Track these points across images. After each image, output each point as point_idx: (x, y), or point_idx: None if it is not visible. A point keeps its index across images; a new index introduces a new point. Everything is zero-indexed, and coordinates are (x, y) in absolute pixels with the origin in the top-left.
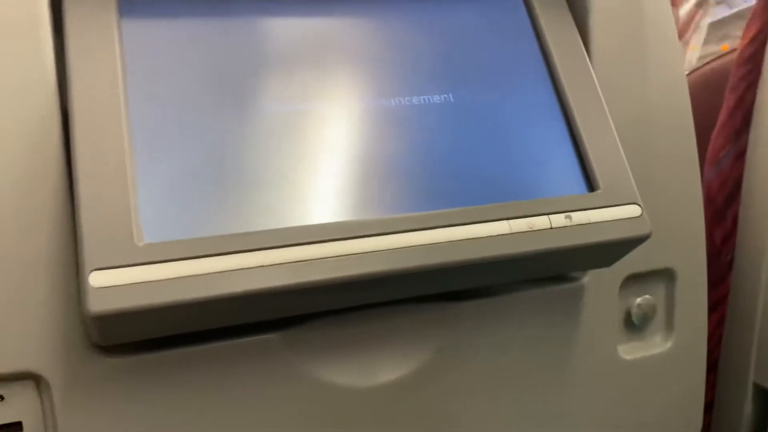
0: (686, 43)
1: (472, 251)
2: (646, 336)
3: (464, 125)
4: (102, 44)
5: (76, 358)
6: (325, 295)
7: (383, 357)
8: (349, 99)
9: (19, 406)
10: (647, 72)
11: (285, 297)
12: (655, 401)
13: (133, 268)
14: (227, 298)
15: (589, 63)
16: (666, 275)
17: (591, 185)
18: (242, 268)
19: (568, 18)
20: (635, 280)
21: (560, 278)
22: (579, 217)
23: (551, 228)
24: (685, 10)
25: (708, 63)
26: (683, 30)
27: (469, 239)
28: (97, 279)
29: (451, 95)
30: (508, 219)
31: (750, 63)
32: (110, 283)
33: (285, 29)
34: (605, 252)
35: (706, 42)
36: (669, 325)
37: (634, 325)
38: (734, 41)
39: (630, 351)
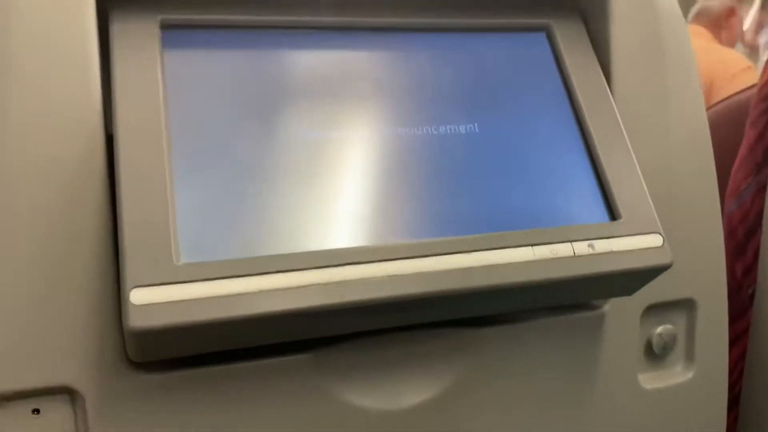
0: (756, 46)
1: (496, 276)
2: (667, 365)
3: (489, 154)
4: (145, 73)
5: (110, 374)
6: (355, 317)
7: (407, 380)
8: (378, 127)
9: (54, 419)
10: (668, 107)
11: (316, 317)
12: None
13: (172, 286)
14: (261, 318)
15: (611, 97)
16: (687, 305)
17: (613, 214)
18: (276, 289)
19: (591, 54)
20: (656, 309)
21: (581, 306)
22: (601, 245)
23: (574, 255)
24: (751, 15)
25: (728, 98)
26: (753, 34)
27: (493, 265)
28: (137, 296)
29: (476, 125)
30: (532, 245)
31: None
32: (150, 301)
33: (317, 60)
34: (627, 280)
35: None
36: (690, 355)
37: (654, 354)
38: None
39: (650, 380)
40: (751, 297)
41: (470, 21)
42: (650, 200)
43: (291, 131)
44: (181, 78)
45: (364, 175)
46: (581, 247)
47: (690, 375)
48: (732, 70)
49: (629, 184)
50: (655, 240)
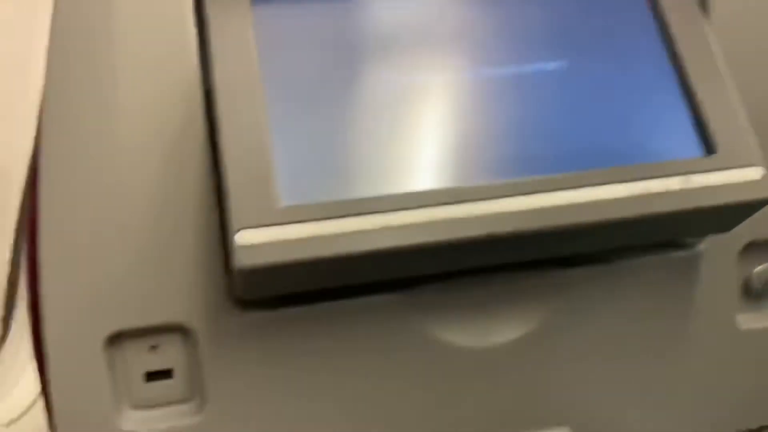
0: None
1: (589, 213)
2: (766, 306)
3: (578, 91)
4: (238, 27)
5: (218, 312)
6: (450, 255)
7: (496, 319)
8: (464, 68)
9: (170, 354)
10: None
11: (413, 255)
12: None
13: (275, 228)
14: (360, 255)
15: (705, 24)
16: None
17: (709, 148)
18: (373, 228)
19: None
20: (756, 247)
21: (675, 245)
22: (697, 179)
23: (669, 191)
24: None
25: None
26: None
27: (585, 202)
28: (243, 238)
29: (564, 62)
30: (624, 182)
31: None
32: (254, 242)
33: (402, 5)
34: (724, 216)
35: None
36: None
37: (753, 293)
38: None
39: (748, 321)
40: None
41: None
42: (751, 131)
43: (379, 76)
44: (271, 30)
45: (453, 116)
46: (676, 182)
47: None
48: None
49: (726, 115)
50: (755, 173)
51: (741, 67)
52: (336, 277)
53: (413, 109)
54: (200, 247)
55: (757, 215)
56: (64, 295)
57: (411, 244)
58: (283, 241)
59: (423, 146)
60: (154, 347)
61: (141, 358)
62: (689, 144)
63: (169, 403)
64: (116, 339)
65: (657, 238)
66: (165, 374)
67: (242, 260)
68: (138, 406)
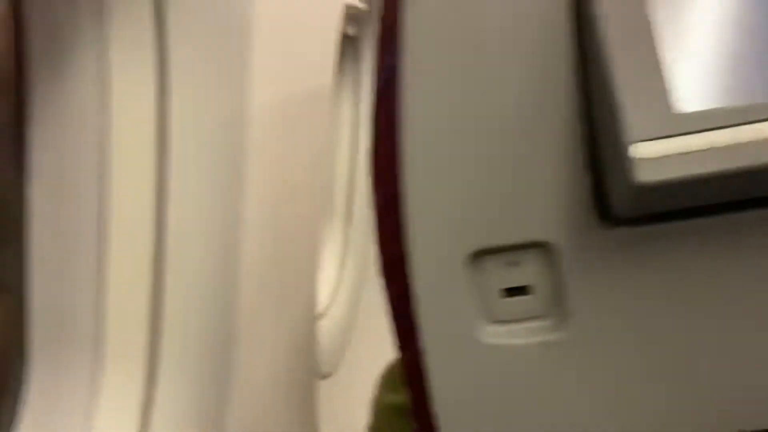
0: None
1: None
2: None
3: None
4: None
5: (583, 229)
6: None
7: None
8: None
9: (531, 271)
10: None
11: None
12: None
13: (674, 139)
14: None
15: None
16: None
17: None
18: None
19: None
20: None
21: None
22: None
23: None
24: None
25: None
26: None
27: None
28: (640, 150)
29: None
30: None
31: None
32: (651, 155)
33: None
34: None
35: None
36: None
37: None
38: None
39: None
40: None
41: None
42: None
43: None
44: None
45: None
46: None
47: None
48: None
49: None
50: None
51: None
52: (731, 192)
53: None
54: (563, 164)
55: None
56: (429, 214)
57: None
58: (684, 154)
59: None
60: (513, 263)
61: (500, 274)
62: None
63: (528, 319)
64: (478, 256)
65: None
66: (523, 290)
67: (642, 175)
68: (497, 320)
